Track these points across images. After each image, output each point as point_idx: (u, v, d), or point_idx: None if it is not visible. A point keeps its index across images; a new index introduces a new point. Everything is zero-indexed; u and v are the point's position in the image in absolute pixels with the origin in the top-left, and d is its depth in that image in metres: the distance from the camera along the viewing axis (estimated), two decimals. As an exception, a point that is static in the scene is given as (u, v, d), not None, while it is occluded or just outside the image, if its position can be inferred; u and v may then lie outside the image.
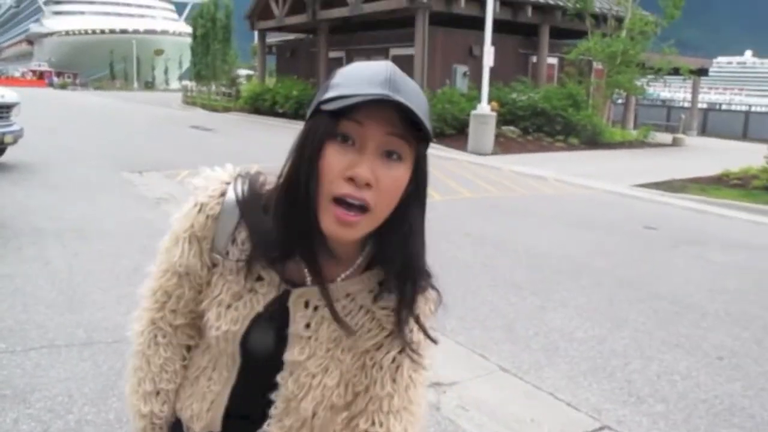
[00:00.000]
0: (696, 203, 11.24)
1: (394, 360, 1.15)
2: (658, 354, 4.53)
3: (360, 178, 0.97)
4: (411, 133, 0.99)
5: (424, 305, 1.16)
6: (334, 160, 0.98)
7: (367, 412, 1.16)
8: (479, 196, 10.58)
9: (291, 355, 1.14)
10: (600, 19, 21.23)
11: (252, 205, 1.12)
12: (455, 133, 17.60)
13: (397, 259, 1.07)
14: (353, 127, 0.97)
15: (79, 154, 13.35)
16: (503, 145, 17.23)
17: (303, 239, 1.05)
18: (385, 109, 0.96)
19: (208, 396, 1.23)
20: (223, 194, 1.14)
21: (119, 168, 11.64)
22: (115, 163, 12.29)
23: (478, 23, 17.89)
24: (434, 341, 1.16)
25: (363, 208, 0.98)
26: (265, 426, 1.19)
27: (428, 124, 1.00)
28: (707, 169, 14.20)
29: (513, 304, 5.31)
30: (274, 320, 1.13)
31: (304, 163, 1.00)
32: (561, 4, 21.58)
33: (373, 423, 1.15)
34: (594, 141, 19.19)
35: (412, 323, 1.14)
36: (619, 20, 21.03)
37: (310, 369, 1.13)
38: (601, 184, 12.56)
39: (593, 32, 20.39)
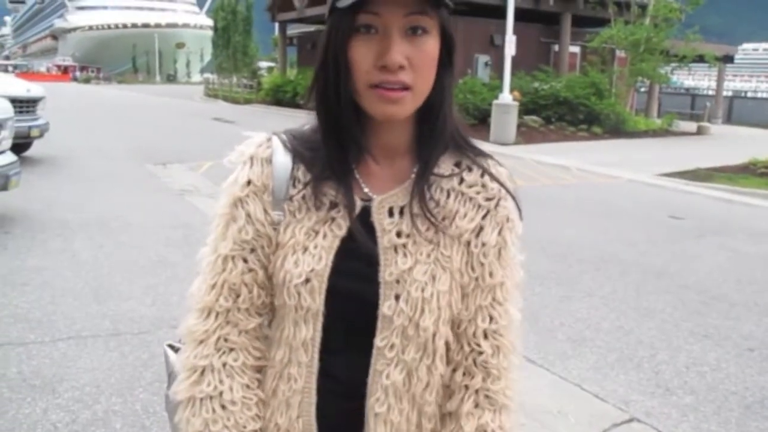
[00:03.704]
0: (722, 192, 11.07)
1: (496, 243, 1.08)
2: (686, 345, 4.47)
3: (392, 64, 0.95)
4: (429, 4, 0.97)
5: (504, 173, 1.12)
6: (363, 51, 0.97)
7: (482, 310, 1.08)
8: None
9: (393, 269, 1.03)
10: (623, 6, 20.97)
11: (300, 140, 1.09)
12: (477, 123, 17.47)
13: (446, 127, 1.07)
14: (372, 18, 0.96)
15: (103, 148, 13.47)
16: (525, 135, 17.11)
17: (355, 131, 1.03)
18: None
19: (293, 399, 1.07)
20: (269, 140, 1.10)
21: (143, 160, 11.72)
22: (138, 155, 12.38)
23: (499, 12, 17.76)
24: (516, 200, 1.11)
25: (404, 87, 0.98)
26: (381, 371, 1.04)
27: None
28: (733, 158, 13.99)
29: (537, 294, 5.26)
30: (362, 243, 1.03)
31: (332, 60, 1.00)
32: (583, -9, 21.36)
33: (492, 319, 1.08)
34: (617, 130, 18.99)
35: (502, 195, 1.09)
36: (643, 7, 20.77)
37: (418, 279, 1.02)
38: (624, 173, 12.42)
39: (616, 20, 20.18)
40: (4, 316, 4.36)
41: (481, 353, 1.08)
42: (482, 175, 1.09)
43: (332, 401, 1.07)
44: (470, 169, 1.09)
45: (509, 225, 1.09)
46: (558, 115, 18.81)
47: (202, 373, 1.06)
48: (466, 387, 1.09)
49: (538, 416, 3.39)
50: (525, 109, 18.06)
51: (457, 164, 1.09)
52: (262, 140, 1.10)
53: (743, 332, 4.72)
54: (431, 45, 0.99)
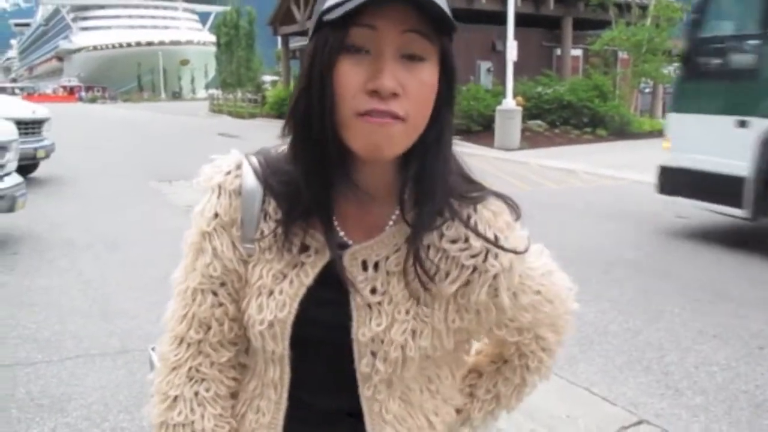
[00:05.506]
0: (730, 190, 11.00)
1: (487, 296, 0.98)
2: (695, 345, 4.44)
3: (384, 89, 0.83)
4: (431, 27, 0.85)
5: (494, 219, 0.98)
6: (351, 73, 0.85)
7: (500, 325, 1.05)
8: (507, 191, 10.41)
9: (366, 330, 0.95)
10: (623, 7, 20.96)
11: (273, 170, 0.98)
12: (481, 129, 17.49)
13: (438, 173, 0.92)
14: (365, 34, 0.84)
15: (109, 166, 13.56)
16: (530, 140, 17.09)
17: (333, 169, 0.91)
18: (396, 5, 0.82)
19: None
20: (238, 167, 1.00)
21: (148, 178, 11.79)
22: (144, 173, 12.45)
23: (500, 18, 17.79)
24: (518, 251, 0.99)
25: (394, 117, 0.84)
26: (378, 411, 1.01)
27: (448, 11, 0.86)
28: (740, 156, 13.90)
29: (545, 299, 5.23)
30: (331, 293, 0.96)
31: (316, 82, 0.87)
32: (583, -6, 21.40)
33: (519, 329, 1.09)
34: (622, 132, 18.93)
35: (498, 254, 0.96)
36: (643, 8, 20.73)
37: (396, 339, 0.95)
38: (631, 174, 12.37)
39: (617, 21, 20.15)
40: (12, 336, 4.39)
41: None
42: (465, 227, 0.96)
43: (301, 429, 1.05)
44: (452, 220, 0.96)
45: (504, 278, 0.98)
46: (562, 119, 18.78)
47: (174, 400, 1.03)
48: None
49: (547, 421, 3.37)
50: (529, 114, 18.05)
51: (439, 213, 0.95)
52: (231, 166, 1.01)
53: (752, 330, 4.68)
54: (429, 73, 0.87)
